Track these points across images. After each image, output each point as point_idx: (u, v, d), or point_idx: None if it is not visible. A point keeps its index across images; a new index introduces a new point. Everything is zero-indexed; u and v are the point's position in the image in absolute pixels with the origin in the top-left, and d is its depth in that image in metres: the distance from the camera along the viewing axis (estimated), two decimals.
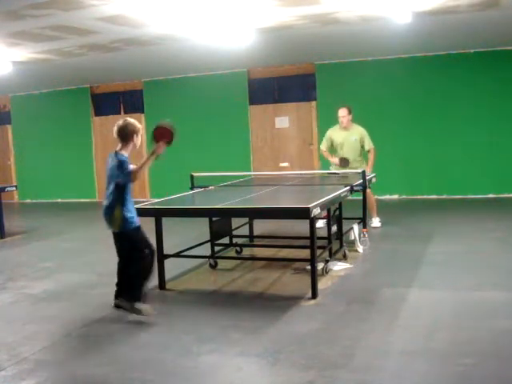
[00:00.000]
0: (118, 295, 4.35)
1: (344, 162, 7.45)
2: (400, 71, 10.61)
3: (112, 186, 4.25)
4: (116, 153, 4.27)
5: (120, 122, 4.22)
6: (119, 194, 4.25)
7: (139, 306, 4.19)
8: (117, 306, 4.27)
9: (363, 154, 7.83)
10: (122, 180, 4.20)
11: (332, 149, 7.78)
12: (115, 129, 4.23)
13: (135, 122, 4.27)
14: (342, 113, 7.60)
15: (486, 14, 7.19)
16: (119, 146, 4.27)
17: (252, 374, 3.27)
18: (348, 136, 7.64)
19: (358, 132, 7.69)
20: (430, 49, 10.01)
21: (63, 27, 6.85)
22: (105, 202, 4.30)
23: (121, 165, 4.17)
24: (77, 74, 11.25)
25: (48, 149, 13.42)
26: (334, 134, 7.72)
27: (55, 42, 7.72)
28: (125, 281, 4.30)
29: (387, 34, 8.20)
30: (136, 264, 4.24)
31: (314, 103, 11.31)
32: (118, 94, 12.94)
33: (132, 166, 4.22)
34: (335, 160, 7.58)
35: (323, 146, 7.83)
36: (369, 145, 7.70)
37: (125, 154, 4.25)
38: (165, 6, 6.15)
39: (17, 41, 7.50)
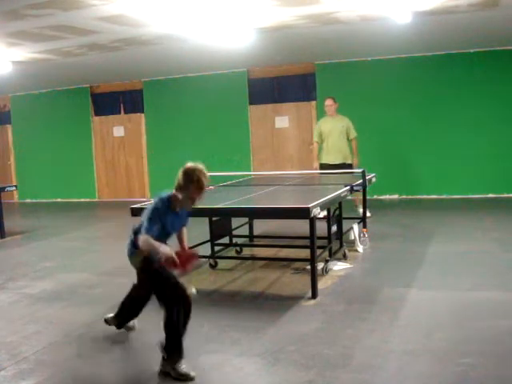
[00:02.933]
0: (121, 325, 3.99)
1: (322, 169, 8.21)
2: (400, 71, 10.61)
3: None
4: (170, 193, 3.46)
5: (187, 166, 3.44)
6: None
7: (181, 368, 3.29)
8: (163, 373, 3.33)
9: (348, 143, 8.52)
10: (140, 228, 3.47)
11: (322, 138, 8.43)
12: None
13: (203, 169, 3.42)
14: (329, 102, 8.38)
15: (485, 14, 7.19)
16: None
17: (252, 374, 3.27)
18: (335, 123, 8.34)
19: (344, 120, 8.40)
20: (430, 49, 10.00)
21: (63, 27, 6.84)
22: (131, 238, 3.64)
23: (149, 210, 3.42)
24: (77, 74, 11.24)
25: (48, 149, 13.41)
26: (323, 124, 8.46)
27: (55, 42, 7.72)
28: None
29: (387, 33, 8.20)
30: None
31: (313, 103, 11.30)
32: (117, 93, 12.93)
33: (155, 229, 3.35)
34: (316, 165, 8.42)
35: (316, 138, 8.48)
36: (353, 134, 8.40)
37: (178, 195, 3.42)
38: (165, 6, 6.14)
39: (17, 41, 7.49)
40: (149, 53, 8.99)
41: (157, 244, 3.29)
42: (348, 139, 8.44)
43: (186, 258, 3.39)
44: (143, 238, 3.32)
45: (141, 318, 4.23)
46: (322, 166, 8.30)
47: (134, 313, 3.98)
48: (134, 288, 3.93)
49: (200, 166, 3.44)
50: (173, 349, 3.32)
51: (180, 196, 3.40)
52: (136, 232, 3.57)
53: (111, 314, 4.03)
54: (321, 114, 10.99)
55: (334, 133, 8.27)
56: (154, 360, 3.47)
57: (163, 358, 3.34)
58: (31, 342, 3.92)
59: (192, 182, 3.35)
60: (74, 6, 5.93)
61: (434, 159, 10.57)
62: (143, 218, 3.42)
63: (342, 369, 3.22)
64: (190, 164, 3.44)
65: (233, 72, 11.65)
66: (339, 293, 4.78)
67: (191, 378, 3.23)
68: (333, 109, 8.35)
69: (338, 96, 8.65)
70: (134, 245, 3.58)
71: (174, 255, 3.28)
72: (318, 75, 11.14)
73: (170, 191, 3.45)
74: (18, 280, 5.79)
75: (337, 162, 8.18)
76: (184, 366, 3.28)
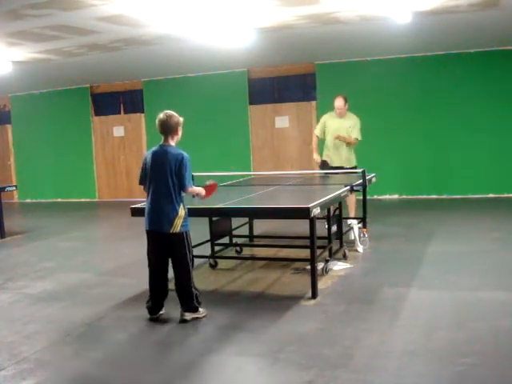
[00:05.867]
0: (156, 311, 4.29)
1: (324, 166, 7.41)
2: (400, 71, 10.61)
3: (173, 183, 4.12)
4: (168, 145, 4.18)
5: (162, 116, 4.15)
6: (180, 191, 4.18)
7: (200, 311, 4.26)
8: (183, 322, 4.17)
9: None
10: (179, 184, 4.13)
11: (324, 135, 7.63)
12: (158, 122, 4.15)
13: (176, 113, 4.23)
14: (339, 103, 7.43)
15: (485, 14, 7.19)
16: (164, 139, 4.20)
17: (252, 374, 3.27)
18: (343, 123, 7.50)
19: (353, 119, 7.53)
20: (430, 49, 10.01)
21: (63, 27, 6.85)
22: (160, 201, 4.15)
23: (186, 166, 4.13)
24: (77, 74, 11.25)
25: (48, 149, 13.42)
26: (330, 120, 7.61)
27: (55, 42, 7.72)
28: (181, 291, 4.22)
29: (387, 33, 8.20)
30: (188, 268, 4.23)
31: (314, 103, 11.31)
32: (117, 93, 12.93)
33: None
34: (318, 159, 7.50)
35: (317, 132, 7.69)
36: (355, 134, 7.44)
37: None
38: (165, 6, 6.15)
39: (17, 41, 7.49)
40: (149, 53, 8.99)
41: (197, 189, 4.28)
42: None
43: (211, 189, 4.48)
44: (194, 190, 4.23)
45: (134, 319, 4.23)
46: (324, 164, 7.49)
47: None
48: (180, 269, 4.22)
49: (165, 111, 4.19)
50: (194, 298, 4.18)
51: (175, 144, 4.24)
52: (175, 191, 4.09)
53: (192, 314, 4.21)
54: (321, 114, 10.97)
55: (340, 132, 7.42)
56: (153, 359, 3.47)
57: (185, 310, 4.15)
58: (31, 341, 3.92)
59: (179, 122, 4.18)
60: (74, 6, 5.94)
61: (434, 159, 10.58)
62: (182, 175, 4.07)
63: (342, 369, 3.22)
64: (163, 115, 4.15)
65: (233, 72, 11.65)
66: (339, 293, 4.77)
67: (203, 317, 4.21)
68: (344, 111, 7.47)
69: None
70: (176, 206, 4.13)
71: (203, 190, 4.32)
72: (318, 75, 11.15)
73: (174, 146, 4.20)
74: (18, 280, 5.79)
75: (339, 165, 7.42)
76: (201, 309, 4.23)
